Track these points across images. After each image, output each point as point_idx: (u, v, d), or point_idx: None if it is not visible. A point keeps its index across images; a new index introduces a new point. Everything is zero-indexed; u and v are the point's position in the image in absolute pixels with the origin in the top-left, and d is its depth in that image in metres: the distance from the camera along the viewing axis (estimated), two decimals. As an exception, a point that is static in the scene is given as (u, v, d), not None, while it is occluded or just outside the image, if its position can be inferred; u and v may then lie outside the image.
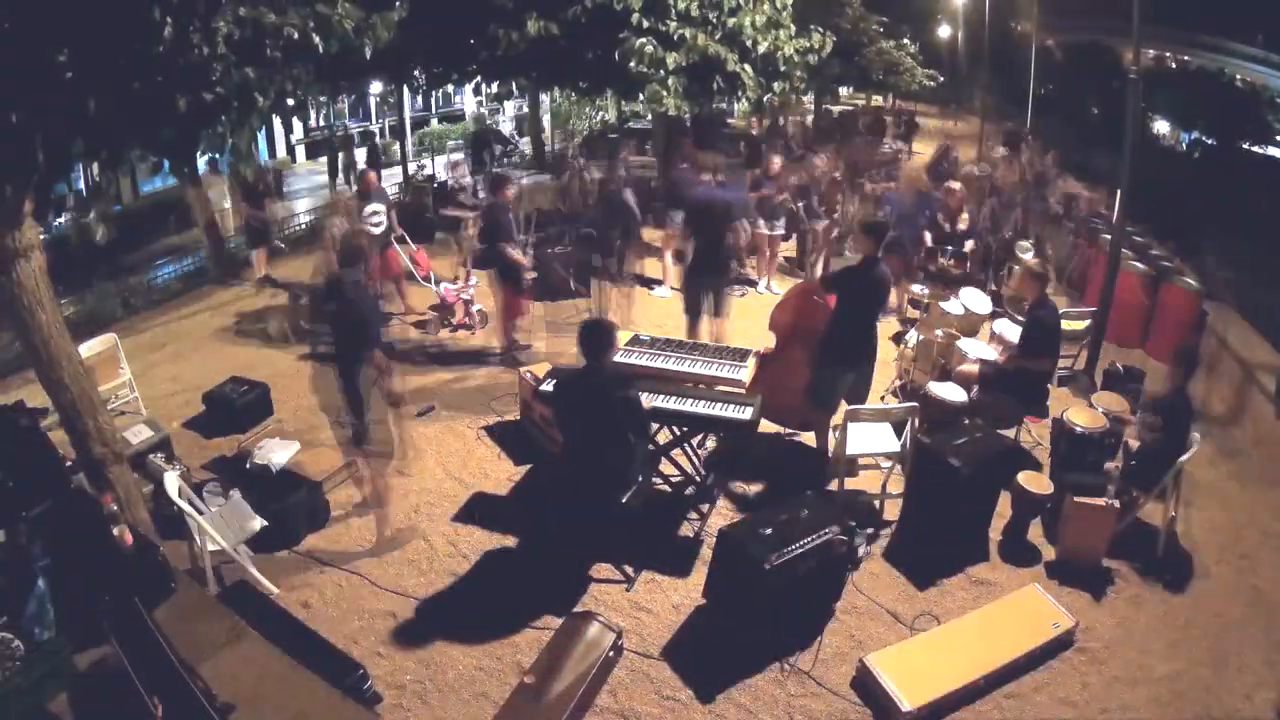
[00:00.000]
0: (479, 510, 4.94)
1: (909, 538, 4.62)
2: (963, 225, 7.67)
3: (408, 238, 7.88)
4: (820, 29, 10.53)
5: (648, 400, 4.33)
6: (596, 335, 4.01)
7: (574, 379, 4.18)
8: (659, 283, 8.92)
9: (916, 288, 7.10)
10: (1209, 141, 25.99)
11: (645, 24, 8.84)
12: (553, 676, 3.45)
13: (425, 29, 8.59)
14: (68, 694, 2.81)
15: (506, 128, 21.52)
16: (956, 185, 7.88)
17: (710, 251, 6.39)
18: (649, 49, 8.76)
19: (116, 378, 5.76)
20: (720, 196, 6.56)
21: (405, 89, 14.20)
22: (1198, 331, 7.24)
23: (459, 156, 14.89)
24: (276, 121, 15.40)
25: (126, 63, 3.30)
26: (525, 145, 18.10)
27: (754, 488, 5.16)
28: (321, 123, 19.38)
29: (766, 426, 5.46)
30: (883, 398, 6.30)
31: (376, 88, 18.30)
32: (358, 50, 4.14)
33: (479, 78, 11.73)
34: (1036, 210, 9.38)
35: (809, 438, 5.58)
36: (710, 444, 5.51)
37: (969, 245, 7.61)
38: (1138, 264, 7.76)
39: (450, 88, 19.61)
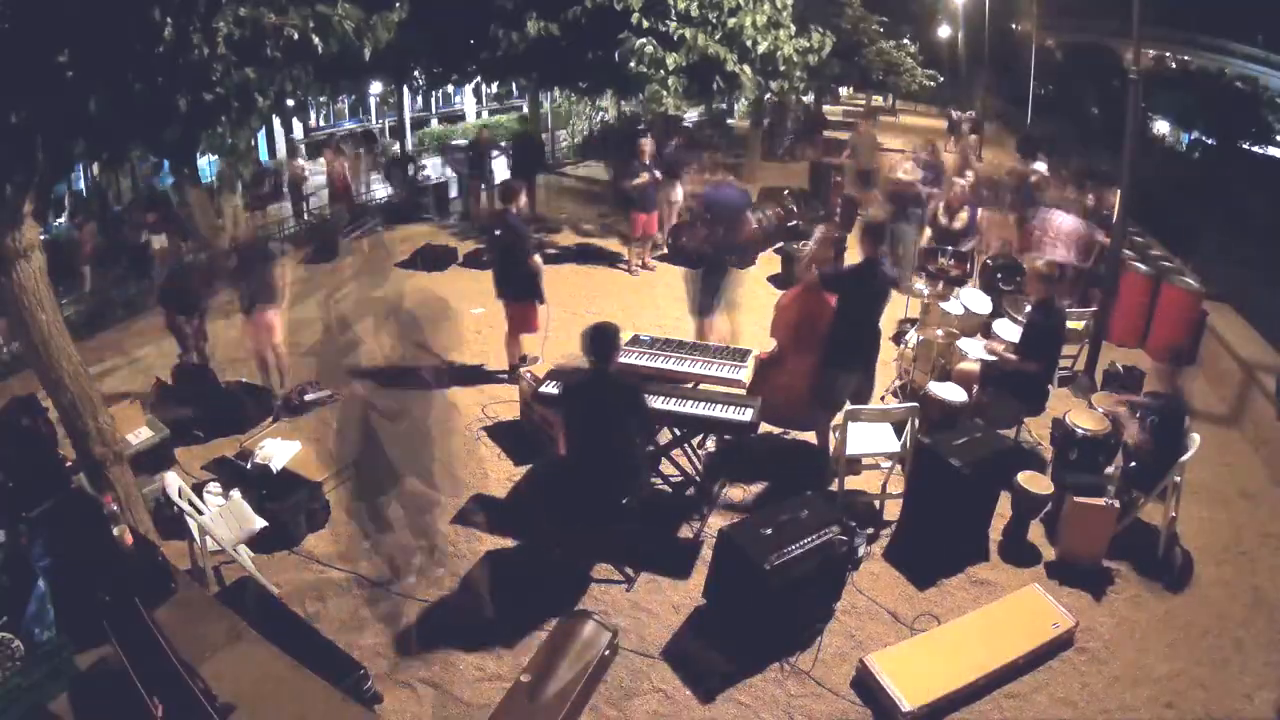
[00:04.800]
0: (479, 510, 4.94)
1: (909, 538, 4.62)
2: (959, 224, 7.66)
3: None
4: (820, 29, 10.54)
5: (648, 401, 4.33)
6: (602, 339, 4.01)
7: (582, 384, 4.18)
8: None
9: (918, 286, 7.10)
10: (1209, 141, 26.00)
11: (645, 24, 8.84)
12: (549, 676, 3.45)
13: (425, 29, 8.59)
14: (68, 694, 2.81)
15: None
16: (960, 181, 7.86)
17: (724, 248, 6.45)
18: (649, 49, 8.77)
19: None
20: (731, 195, 6.58)
21: (405, 89, 14.19)
22: (1197, 331, 7.24)
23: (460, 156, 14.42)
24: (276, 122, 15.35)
25: (127, 63, 3.30)
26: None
27: (754, 488, 5.16)
28: (321, 124, 19.34)
29: (767, 427, 5.46)
30: (883, 398, 6.30)
31: (376, 88, 18.27)
32: (358, 50, 4.14)
33: (479, 78, 11.73)
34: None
35: (809, 437, 5.57)
36: (710, 444, 5.51)
37: (969, 245, 7.61)
38: (1139, 264, 7.76)
39: (450, 88, 19.59)
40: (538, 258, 6.14)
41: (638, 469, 4.23)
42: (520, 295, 6.20)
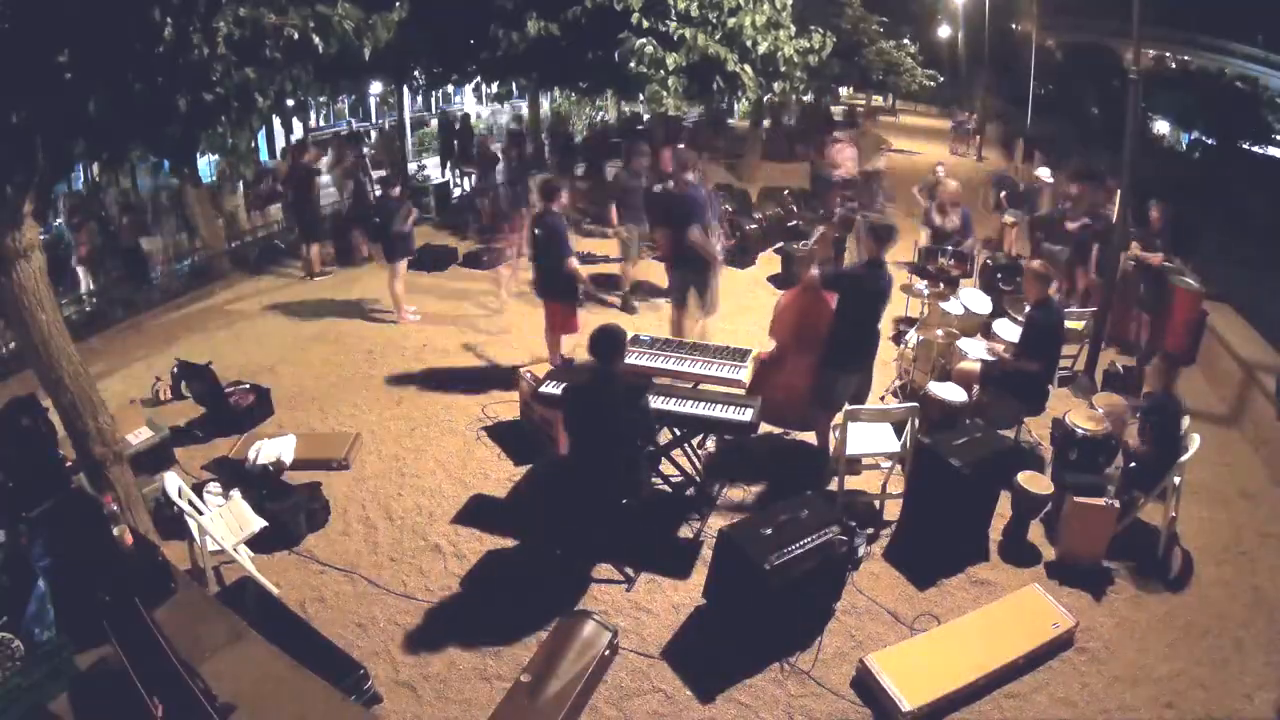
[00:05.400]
0: (479, 511, 4.94)
1: (909, 538, 4.62)
2: (951, 225, 7.67)
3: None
4: (820, 29, 10.55)
5: (649, 401, 4.33)
6: (608, 341, 4.01)
7: (586, 385, 4.17)
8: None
9: (919, 286, 7.10)
10: (1209, 141, 26.02)
11: (645, 24, 8.85)
12: (549, 675, 3.45)
13: (425, 29, 8.59)
14: (68, 694, 2.81)
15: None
16: (952, 183, 7.88)
17: (679, 246, 6.27)
18: (649, 49, 8.77)
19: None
20: (681, 197, 6.27)
21: (405, 89, 14.19)
22: (1197, 331, 7.24)
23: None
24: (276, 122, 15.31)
25: (127, 63, 3.30)
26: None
27: (754, 488, 5.16)
28: (321, 124, 19.32)
29: (767, 427, 5.46)
30: (883, 398, 6.30)
31: (376, 88, 18.28)
32: (358, 50, 4.14)
33: (479, 78, 11.74)
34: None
35: (809, 437, 5.57)
36: (710, 444, 5.51)
37: (967, 243, 7.61)
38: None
39: (450, 88, 19.61)
40: (574, 260, 6.02)
41: (638, 470, 4.23)
42: (559, 295, 6.13)
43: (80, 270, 8.59)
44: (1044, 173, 9.61)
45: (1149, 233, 7.19)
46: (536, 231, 6.15)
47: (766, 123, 18.63)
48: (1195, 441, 4.46)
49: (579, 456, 4.27)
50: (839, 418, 5.05)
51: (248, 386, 6.08)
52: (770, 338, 5.41)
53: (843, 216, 8.56)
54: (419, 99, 18.78)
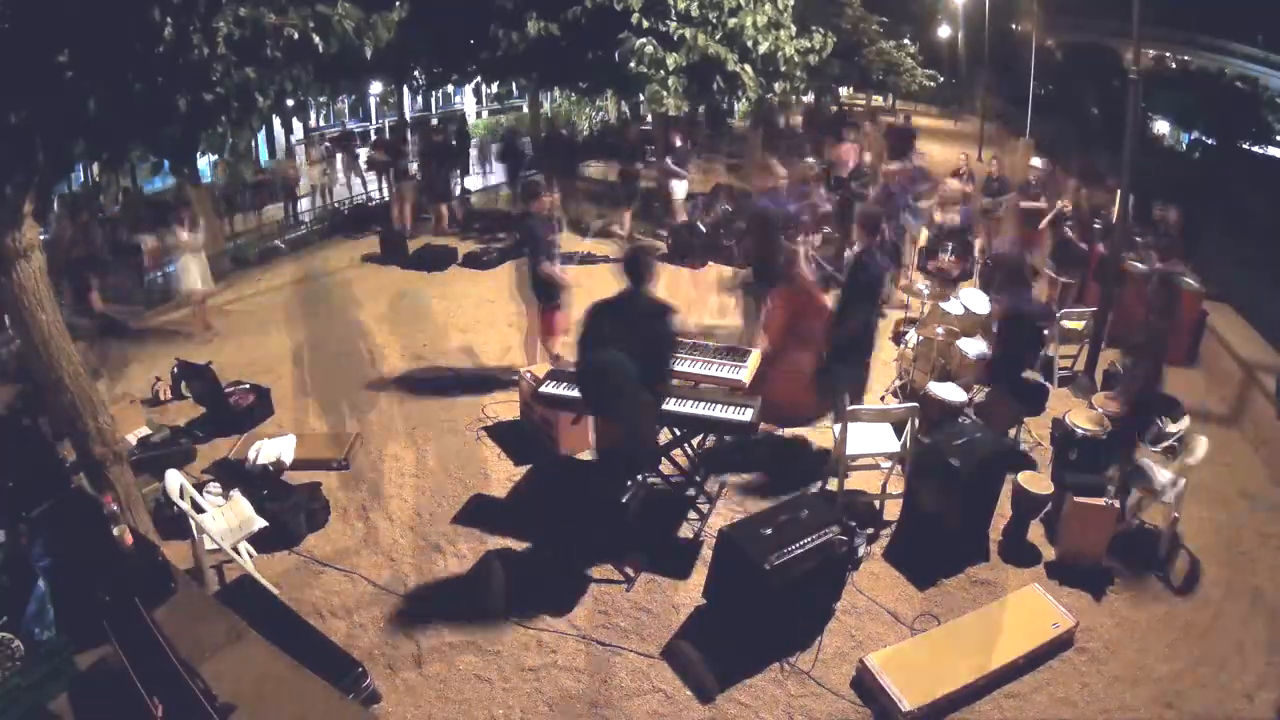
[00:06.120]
0: (479, 511, 4.94)
1: (909, 538, 4.62)
2: (951, 222, 7.68)
3: None
4: (820, 29, 10.56)
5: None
6: (638, 264, 4.20)
7: (614, 300, 4.24)
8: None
9: (919, 285, 7.11)
10: (1209, 141, 25.99)
11: (645, 24, 8.86)
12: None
13: (425, 29, 8.60)
14: (68, 694, 2.80)
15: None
16: (953, 182, 7.88)
17: (770, 259, 6.20)
18: (649, 49, 8.78)
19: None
20: (778, 207, 6.38)
21: (405, 89, 14.19)
22: (1197, 331, 7.24)
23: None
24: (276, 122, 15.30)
25: (127, 63, 3.30)
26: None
27: (754, 488, 5.16)
28: (321, 124, 19.30)
29: (767, 426, 5.46)
30: (883, 398, 6.30)
31: (376, 88, 18.29)
32: (358, 50, 4.14)
33: (479, 78, 11.74)
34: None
35: (810, 437, 5.57)
36: (710, 444, 5.51)
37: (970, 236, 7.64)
38: (1138, 264, 7.75)
39: (450, 88, 19.61)
40: (549, 264, 5.92)
41: (657, 376, 4.26)
42: (539, 298, 6.10)
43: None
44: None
45: (1170, 239, 7.12)
46: (518, 234, 6.17)
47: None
48: (1203, 444, 4.46)
49: (593, 368, 4.20)
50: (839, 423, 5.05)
51: (248, 386, 6.09)
52: (763, 334, 5.41)
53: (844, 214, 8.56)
54: (419, 99, 18.80)
